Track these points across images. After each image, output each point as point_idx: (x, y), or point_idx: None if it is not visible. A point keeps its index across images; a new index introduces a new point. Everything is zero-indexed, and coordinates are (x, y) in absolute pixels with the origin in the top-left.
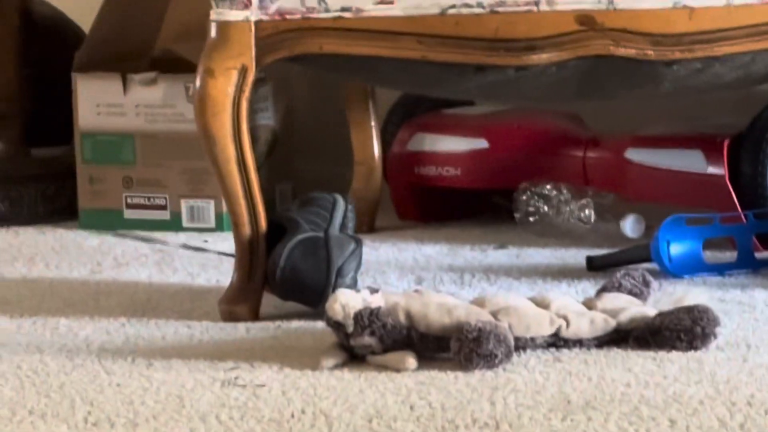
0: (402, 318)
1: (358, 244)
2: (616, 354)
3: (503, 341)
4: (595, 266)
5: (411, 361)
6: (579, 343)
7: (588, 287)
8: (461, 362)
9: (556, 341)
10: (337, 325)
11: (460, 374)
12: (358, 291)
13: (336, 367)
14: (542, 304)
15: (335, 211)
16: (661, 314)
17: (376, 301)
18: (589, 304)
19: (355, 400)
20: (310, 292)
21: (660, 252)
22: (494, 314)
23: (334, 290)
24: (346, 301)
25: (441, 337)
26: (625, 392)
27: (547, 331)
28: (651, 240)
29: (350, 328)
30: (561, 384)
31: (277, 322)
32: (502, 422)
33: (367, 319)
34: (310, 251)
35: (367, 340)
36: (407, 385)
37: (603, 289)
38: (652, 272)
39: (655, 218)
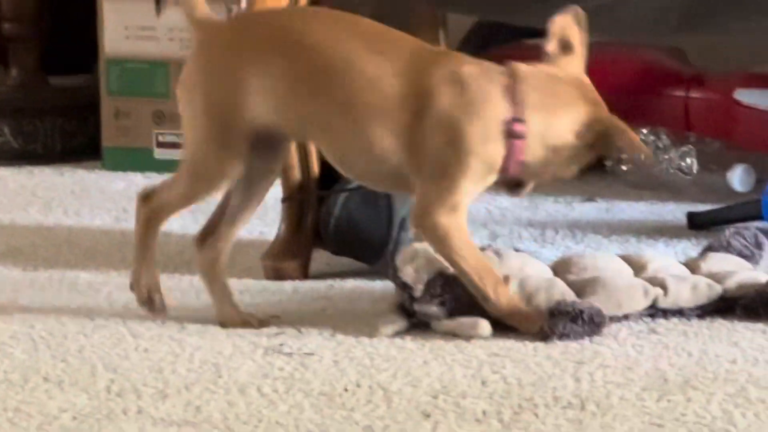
0: None
1: None
2: (721, 326)
3: (590, 318)
4: (697, 224)
5: (484, 326)
6: (679, 312)
7: (689, 247)
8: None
9: (654, 313)
10: (403, 286)
11: (540, 346)
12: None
13: (396, 334)
14: (637, 265)
15: None
16: None
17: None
18: (691, 266)
19: (418, 372)
20: (367, 246)
21: None
22: (580, 289)
23: (395, 246)
24: (422, 264)
25: None
26: (731, 370)
27: (642, 304)
28: (763, 194)
29: (418, 293)
30: (656, 359)
31: (329, 282)
32: (588, 402)
33: (440, 288)
34: (369, 200)
35: (434, 310)
36: (478, 357)
37: (708, 249)
38: (765, 232)
39: None
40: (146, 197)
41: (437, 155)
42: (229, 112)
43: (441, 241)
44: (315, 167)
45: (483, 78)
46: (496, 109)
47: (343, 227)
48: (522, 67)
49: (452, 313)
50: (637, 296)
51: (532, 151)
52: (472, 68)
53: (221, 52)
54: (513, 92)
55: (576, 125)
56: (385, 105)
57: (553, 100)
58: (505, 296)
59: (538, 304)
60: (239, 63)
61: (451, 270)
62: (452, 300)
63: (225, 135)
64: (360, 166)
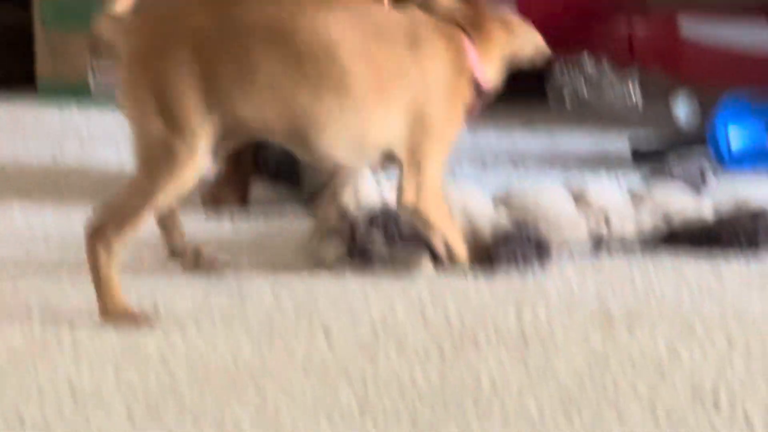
0: None
1: None
2: (666, 260)
3: (536, 243)
4: (640, 155)
5: (427, 262)
6: (622, 244)
7: (633, 178)
8: (484, 267)
9: (595, 244)
10: (343, 217)
11: (482, 282)
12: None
13: (337, 261)
14: (580, 197)
15: None
16: (720, 213)
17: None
18: (635, 197)
19: (358, 307)
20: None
21: (718, 139)
22: (521, 220)
23: None
24: (362, 193)
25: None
26: (676, 304)
27: (584, 233)
28: (708, 125)
29: (361, 229)
30: (600, 294)
31: (268, 212)
32: (532, 338)
33: (382, 224)
34: None
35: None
36: (420, 292)
37: (652, 180)
38: (709, 161)
39: (714, 102)
40: (96, 231)
41: None
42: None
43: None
44: None
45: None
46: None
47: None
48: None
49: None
50: (580, 225)
51: None
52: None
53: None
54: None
55: None
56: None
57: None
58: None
59: (483, 238)
60: None
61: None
62: (398, 235)
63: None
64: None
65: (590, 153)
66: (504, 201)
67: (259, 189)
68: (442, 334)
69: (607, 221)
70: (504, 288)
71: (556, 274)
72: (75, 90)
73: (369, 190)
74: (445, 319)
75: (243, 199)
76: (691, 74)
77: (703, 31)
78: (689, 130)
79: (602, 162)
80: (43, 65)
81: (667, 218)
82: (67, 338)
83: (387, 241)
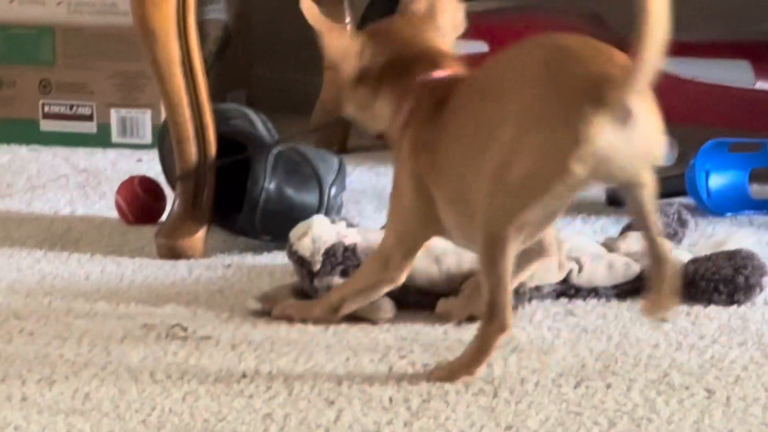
0: None
1: (341, 159)
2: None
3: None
4: (616, 200)
5: (388, 308)
6: (594, 291)
7: (608, 225)
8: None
9: (567, 289)
10: (300, 261)
11: (449, 328)
12: (333, 221)
13: (263, 310)
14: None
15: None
16: (696, 260)
17: (352, 237)
18: (610, 246)
19: (320, 357)
20: (301, 218)
21: (697, 184)
22: None
23: (327, 212)
24: (318, 234)
25: (426, 291)
26: (653, 355)
27: (556, 277)
28: (686, 169)
29: (317, 266)
30: (574, 343)
31: (227, 260)
32: (501, 388)
33: (341, 255)
34: (292, 168)
35: (337, 281)
36: (385, 341)
37: (628, 228)
38: (688, 208)
39: (692, 143)
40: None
41: None
42: None
43: None
44: (212, 144)
45: None
46: None
47: (274, 198)
48: None
49: None
50: (551, 268)
51: None
52: None
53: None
54: None
55: None
56: None
57: None
58: None
59: (448, 267)
60: None
61: (350, 239)
62: (356, 269)
63: None
64: None
65: None
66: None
67: (217, 235)
68: (409, 386)
69: (580, 268)
70: (472, 335)
71: (528, 322)
72: (23, 128)
73: (327, 234)
74: (412, 369)
75: (200, 248)
76: (670, 113)
77: (680, 68)
78: (667, 175)
79: (577, 208)
80: None
81: (640, 265)
82: (17, 392)
83: (344, 275)
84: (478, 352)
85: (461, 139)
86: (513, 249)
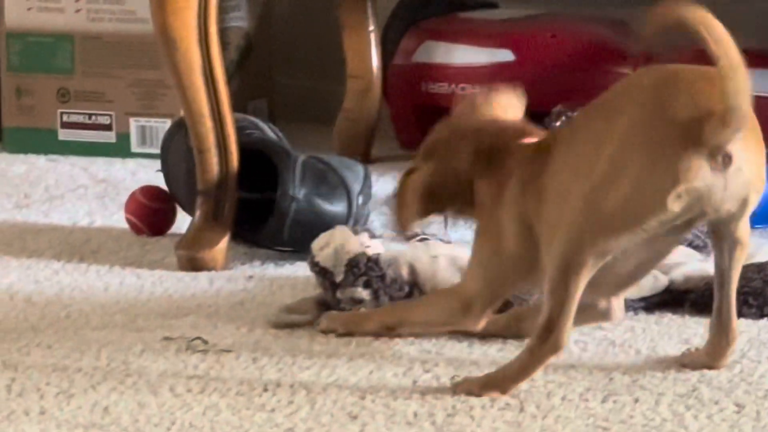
0: (405, 272)
1: (366, 167)
2: (671, 321)
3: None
4: None
5: None
6: (624, 305)
7: None
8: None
9: None
10: (323, 272)
11: (475, 341)
12: (356, 232)
13: (286, 326)
14: None
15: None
16: None
17: (376, 247)
18: None
19: (343, 371)
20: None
21: None
22: None
23: (355, 222)
24: (341, 243)
25: None
26: (681, 369)
27: None
28: None
29: (339, 277)
30: (601, 357)
31: (248, 272)
32: (528, 403)
33: (364, 266)
34: (319, 177)
35: (360, 292)
36: (409, 354)
37: None
38: None
39: None
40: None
41: None
42: None
43: None
44: (234, 154)
45: None
46: None
47: (303, 212)
48: None
49: (377, 296)
50: None
51: None
52: None
53: None
54: None
55: None
56: None
57: None
58: None
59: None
60: None
61: (373, 251)
62: (379, 279)
63: None
64: None
65: None
66: None
67: (238, 246)
68: (434, 400)
69: None
70: (498, 349)
71: None
72: (41, 138)
73: (350, 245)
74: (437, 384)
75: (221, 260)
76: None
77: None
78: None
79: None
80: (8, 112)
81: (668, 277)
82: (35, 406)
83: (371, 292)
84: (523, 368)
85: (568, 161)
86: (587, 275)
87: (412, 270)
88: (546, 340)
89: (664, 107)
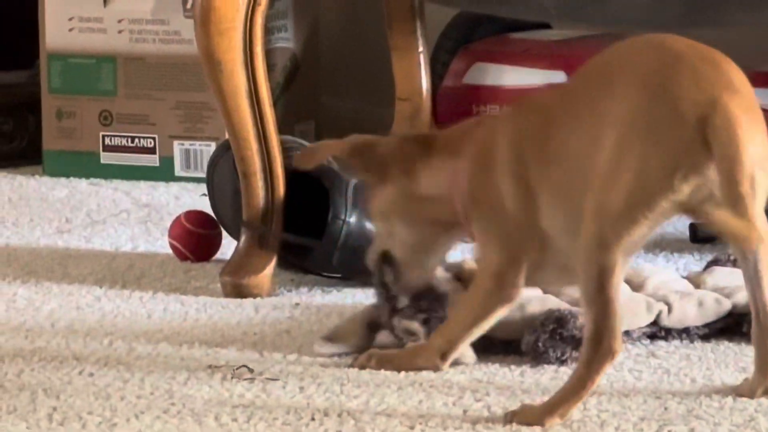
0: None
1: None
2: (727, 349)
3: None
4: (700, 237)
5: (470, 356)
6: (684, 332)
7: (691, 262)
8: (532, 357)
9: (656, 331)
10: (386, 293)
11: (527, 370)
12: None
13: (334, 355)
14: (635, 281)
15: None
16: None
17: (444, 283)
18: (695, 281)
19: (392, 400)
20: None
21: None
22: (575, 303)
23: None
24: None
25: (509, 340)
26: (738, 398)
27: (645, 320)
28: None
29: (402, 304)
30: (656, 385)
31: (295, 299)
32: (580, 431)
33: (428, 303)
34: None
35: (417, 328)
36: (459, 383)
37: (713, 263)
38: None
39: None
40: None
41: None
42: None
43: None
44: (280, 178)
45: None
46: None
47: (355, 237)
48: None
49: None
50: (639, 311)
51: None
52: None
53: None
54: None
55: None
56: None
57: None
58: None
59: (531, 313)
60: None
61: (443, 287)
62: (438, 321)
63: None
64: None
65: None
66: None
67: (284, 272)
68: (485, 430)
69: (669, 308)
70: (550, 377)
71: None
72: (83, 161)
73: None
74: (488, 413)
75: (267, 286)
76: None
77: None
78: None
79: (659, 245)
80: (49, 134)
81: (733, 303)
82: None
83: (427, 330)
84: (581, 384)
85: (573, 133)
86: (621, 272)
87: None
88: (599, 347)
89: (668, 93)
